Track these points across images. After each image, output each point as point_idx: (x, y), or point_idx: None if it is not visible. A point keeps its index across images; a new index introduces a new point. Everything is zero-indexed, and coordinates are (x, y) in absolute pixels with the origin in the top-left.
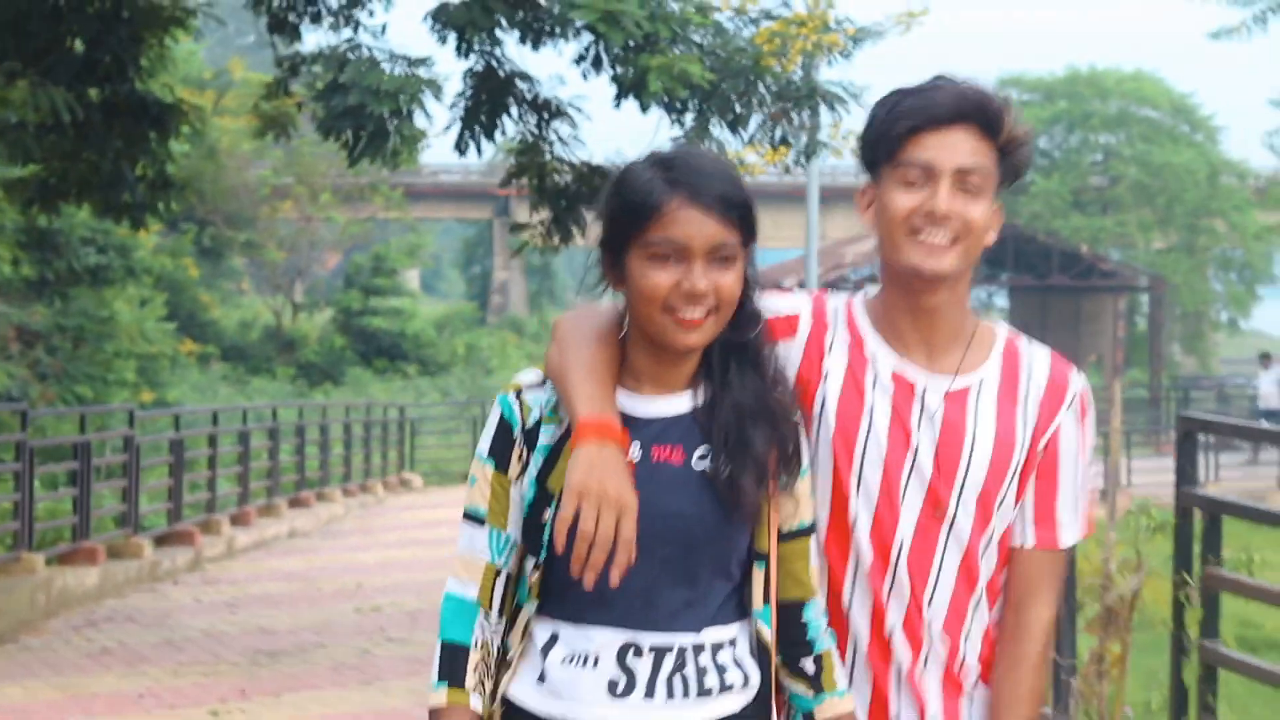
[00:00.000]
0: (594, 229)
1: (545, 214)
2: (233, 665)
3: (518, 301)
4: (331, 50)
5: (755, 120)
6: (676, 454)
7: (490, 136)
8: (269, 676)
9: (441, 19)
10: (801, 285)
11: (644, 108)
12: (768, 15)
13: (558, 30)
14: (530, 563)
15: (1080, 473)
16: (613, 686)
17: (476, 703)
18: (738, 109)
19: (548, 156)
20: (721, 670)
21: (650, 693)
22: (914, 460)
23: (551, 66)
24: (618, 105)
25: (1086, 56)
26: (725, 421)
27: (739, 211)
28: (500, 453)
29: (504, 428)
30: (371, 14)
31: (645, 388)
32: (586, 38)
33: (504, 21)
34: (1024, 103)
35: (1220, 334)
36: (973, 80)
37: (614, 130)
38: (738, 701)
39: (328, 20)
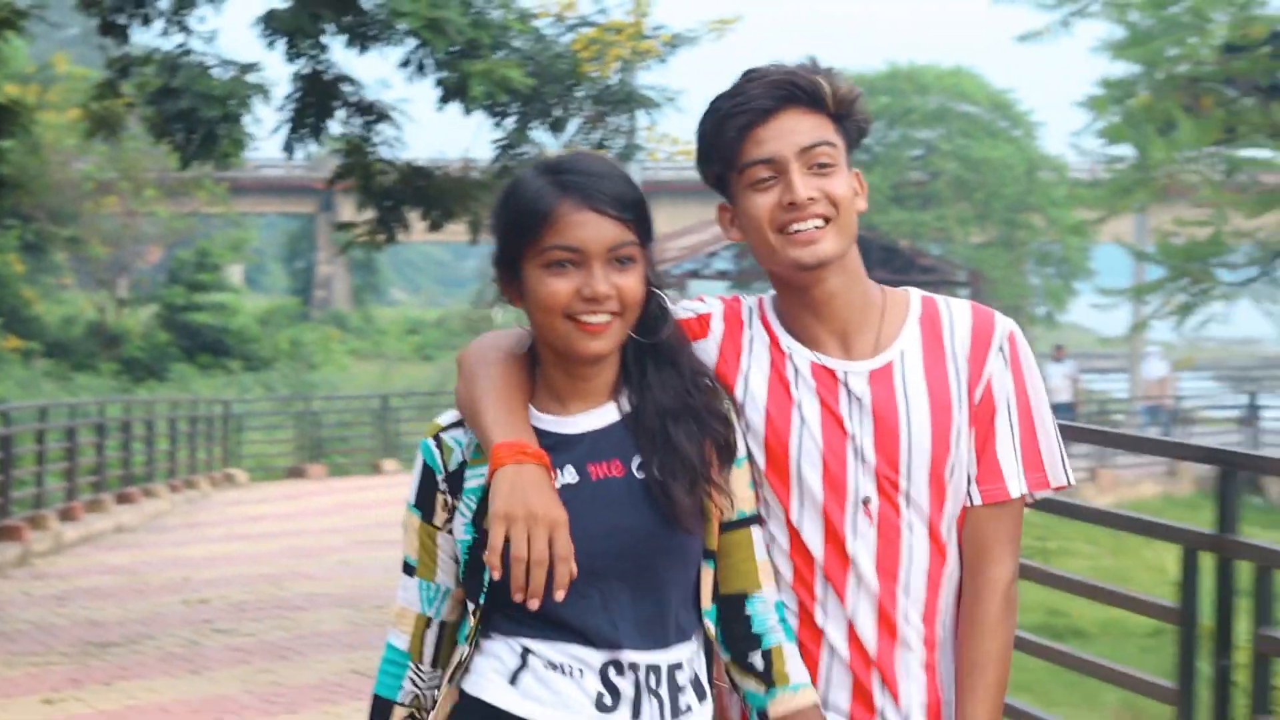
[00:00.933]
0: (420, 227)
1: (371, 213)
2: (64, 656)
3: (342, 296)
4: (163, 55)
5: (574, 123)
6: (615, 468)
7: (317, 138)
8: (100, 666)
9: (270, 25)
10: None
11: (467, 111)
12: (586, 22)
13: (383, 35)
14: (470, 606)
15: (1023, 417)
16: (600, 699)
17: None
18: (557, 112)
19: (373, 157)
20: (690, 686)
21: (636, 713)
22: (855, 449)
23: (377, 70)
24: (441, 108)
25: (907, 51)
26: (649, 426)
27: (634, 211)
28: (425, 502)
29: (427, 475)
30: (203, 19)
31: (568, 405)
32: (411, 43)
33: (330, 27)
34: None
35: (1038, 327)
36: (777, 64)
37: (438, 132)
38: (705, 716)
39: (158, 23)
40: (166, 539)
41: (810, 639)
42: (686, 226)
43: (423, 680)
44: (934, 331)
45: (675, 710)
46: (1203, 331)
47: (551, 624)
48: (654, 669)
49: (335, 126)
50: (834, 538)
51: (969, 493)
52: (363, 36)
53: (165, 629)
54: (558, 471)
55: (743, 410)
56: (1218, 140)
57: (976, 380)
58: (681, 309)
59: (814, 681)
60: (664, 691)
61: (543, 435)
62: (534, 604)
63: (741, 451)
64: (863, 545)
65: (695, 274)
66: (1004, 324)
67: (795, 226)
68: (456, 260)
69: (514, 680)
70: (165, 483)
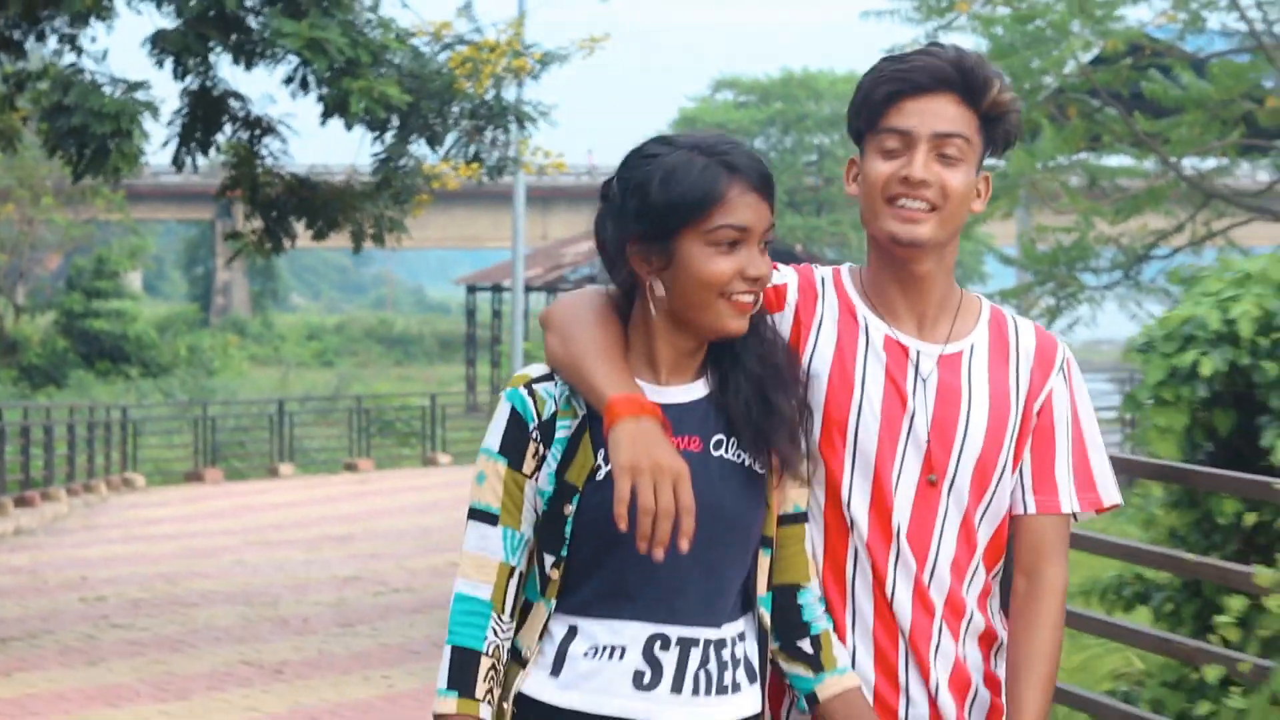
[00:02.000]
0: (305, 236)
1: (258, 223)
2: None
3: (241, 302)
4: (56, 72)
5: (451, 137)
6: (694, 443)
7: (205, 152)
8: None
9: (159, 44)
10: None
11: (348, 126)
12: (462, 41)
13: (267, 54)
14: (549, 560)
15: (1076, 438)
16: (639, 678)
17: (486, 712)
18: (435, 127)
19: (260, 169)
20: (737, 665)
21: (677, 687)
22: (910, 426)
23: (263, 86)
24: (324, 123)
25: (803, 58)
26: (745, 395)
27: (774, 195)
28: (514, 449)
29: (517, 423)
30: (94, 39)
31: (662, 376)
32: (294, 61)
33: (217, 45)
34: (739, 104)
35: None
36: (959, 48)
37: (327, 143)
38: (753, 699)
39: (52, 40)
40: (65, 540)
41: (838, 608)
42: (585, 232)
43: (502, 630)
44: (1001, 337)
45: (721, 687)
46: (1070, 334)
47: (609, 595)
48: (701, 644)
49: (223, 140)
50: (881, 509)
51: (1024, 501)
52: (249, 54)
53: (63, 625)
54: None
55: (808, 380)
56: (1082, 149)
57: (1037, 393)
58: None
59: None
60: (712, 667)
61: None
62: (659, 554)
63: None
64: (903, 521)
65: (591, 279)
66: (1064, 347)
67: (903, 202)
68: (358, 266)
69: (555, 671)
70: (64, 486)
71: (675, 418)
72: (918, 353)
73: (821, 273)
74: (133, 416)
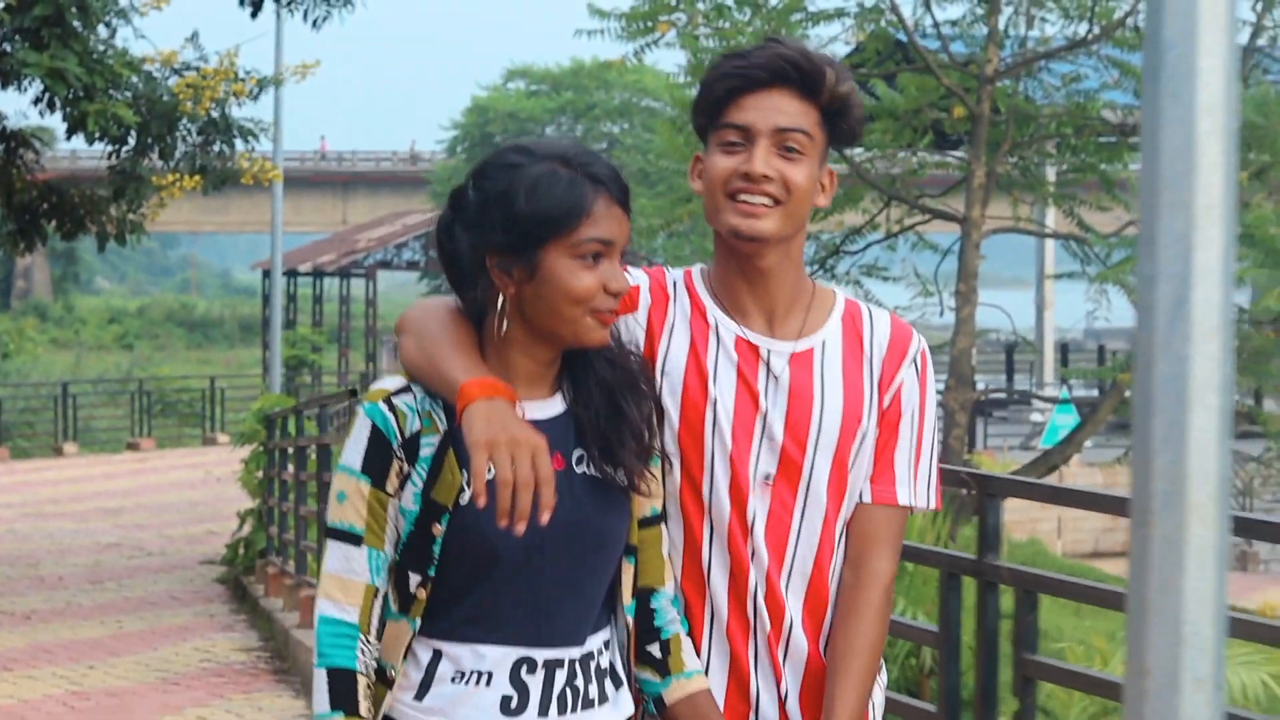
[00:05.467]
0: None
1: (11, 225)
2: None
3: (42, 286)
4: None
5: (181, 149)
6: (557, 461)
7: None
8: None
9: None
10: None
11: (89, 141)
12: (189, 67)
13: (16, 79)
14: (415, 578)
15: (918, 432)
16: (505, 703)
17: None
18: (166, 141)
19: (15, 177)
20: (603, 676)
21: (544, 709)
22: (764, 425)
23: (17, 104)
24: (69, 138)
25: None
26: (596, 404)
27: (630, 206)
28: (376, 468)
29: (379, 440)
30: None
31: (520, 391)
32: (40, 85)
33: None
34: (531, 93)
35: None
36: (799, 43)
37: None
38: (624, 703)
39: None
40: None
41: (696, 609)
42: (378, 218)
43: (369, 652)
44: (854, 330)
45: (587, 701)
46: None
47: (477, 619)
48: (567, 663)
49: None
50: (739, 510)
51: (860, 490)
52: (4, 76)
53: None
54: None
55: (662, 381)
56: None
57: (888, 385)
58: None
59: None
60: (579, 683)
61: None
62: (520, 528)
63: (657, 445)
64: (760, 520)
65: (386, 264)
66: (919, 339)
67: (743, 197)
68: (163, 249)
69: (421, 695)
70: None
71: None
72: (769, 351)
73: (674, 275)
74: None
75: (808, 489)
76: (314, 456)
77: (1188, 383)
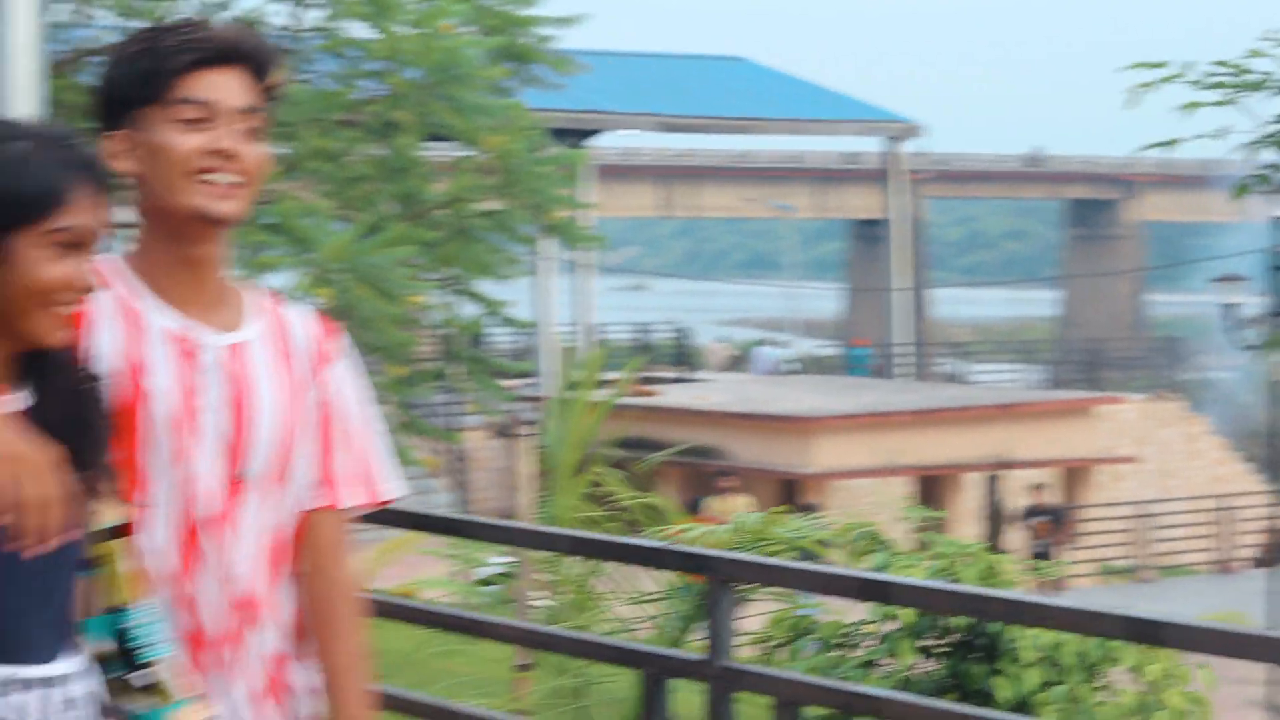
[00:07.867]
0: None
1: None
2: None
3: None
4: None
5: None
6: None
7: None
8: None
9: None
10: None
11: None
12: None
13: None
14: None
15: (353, 429)
16: None
17: None
18: None
19: None
20: (73, 705)
21: None
22: (207, 421)
23: None
24: None
25: None
26: (56, 404)
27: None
28: None
29: None
30: None
31: None
32: None
33: None
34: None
35: None
36: (236, 22)
37: None
38: None
39: None
40: None
41: (180, 624)
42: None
43: None
44: (279, 328)
45: None
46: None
47: None
48: (51, 681)
49: None
50: (189, 511)
51: (308, 496)
52: None
53: None
54: None
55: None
56: None
57: (316, 383)
58: None
59: None
60: (51, 711)
61: None
62: (53, 546)
63: (115, 451)
64: (209, 521)
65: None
66: (341, 337)
67: (215, 176)
68: None
69: None
70: None
71: None
72: (203, 344)
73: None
74: None
75: (255, 487)
76: None
77: None
